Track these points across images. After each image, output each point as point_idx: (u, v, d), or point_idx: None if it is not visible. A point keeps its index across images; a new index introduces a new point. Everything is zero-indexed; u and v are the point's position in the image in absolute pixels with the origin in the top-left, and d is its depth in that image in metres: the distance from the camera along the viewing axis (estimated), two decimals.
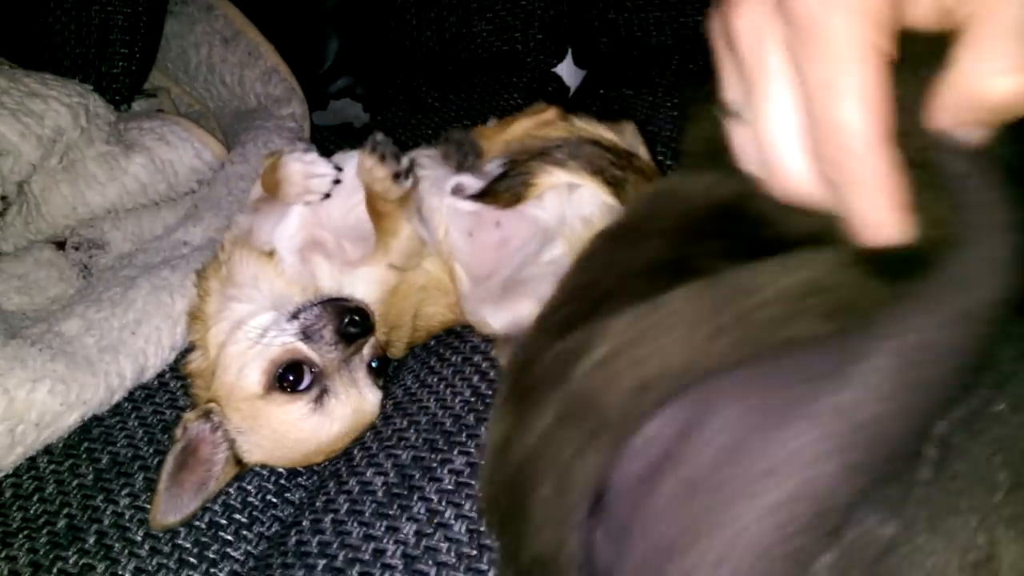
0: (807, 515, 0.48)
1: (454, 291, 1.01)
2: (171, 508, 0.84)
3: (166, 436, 0.96)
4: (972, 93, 0.50)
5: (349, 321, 0.88)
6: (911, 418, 0.50)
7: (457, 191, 0.99)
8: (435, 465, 0.86)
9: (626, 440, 0.54)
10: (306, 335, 0.88)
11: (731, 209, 0.58)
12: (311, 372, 0.87)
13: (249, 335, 0.90)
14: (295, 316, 0.89)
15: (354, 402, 0.90)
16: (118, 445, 0.95)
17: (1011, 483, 0.47)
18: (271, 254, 0.98)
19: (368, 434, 0.94)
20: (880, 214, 0.47)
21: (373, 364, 0.93)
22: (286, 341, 0.87)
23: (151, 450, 0.95)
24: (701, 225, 0.58)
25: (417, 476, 0.85)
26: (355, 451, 0.92)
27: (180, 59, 1.57)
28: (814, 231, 0.57)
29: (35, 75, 1.25)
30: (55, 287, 1.17)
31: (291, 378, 0.86)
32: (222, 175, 1.31)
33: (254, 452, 0.89)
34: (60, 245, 1.22)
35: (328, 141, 1.49)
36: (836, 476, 0.48)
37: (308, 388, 0.87)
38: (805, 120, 0.46)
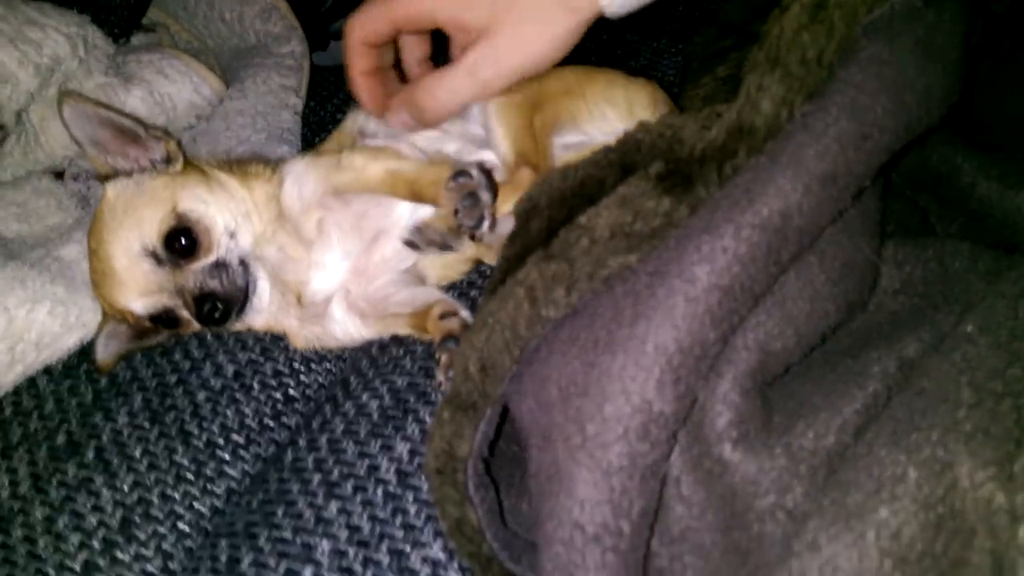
0: (640, 425, 0.52)
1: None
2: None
3: (164, 359, 0.98)
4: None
5: (219, 298, 0.89)
6: (715, 332, 0.54)
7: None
8: (430, 390, 0.87)
9: (483, 415, 0.61)
10: (217, 263, 0.91)
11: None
12: (183, 248, 0.90)
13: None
14: (232, 236, 0.93)
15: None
16: (116, 368, 0.97)
17: (974, 401, 0.48)
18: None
19: (364, 362, 0.96)
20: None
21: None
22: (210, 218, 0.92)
23: (150, 372, 0.96)
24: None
25: (412, 400, 0.86)
26: (351, 378, 0.93)
27: None
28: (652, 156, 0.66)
29: (32, 3, 1.24)
30: (54, 216, 1.17)
31: (182, 240, 0.90)
32: (221, 110, 1.30)
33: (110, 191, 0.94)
34: (59, 175, 1.22)
35: (328, 82, 1.48)
36: (655, 393, 0.52)
37: (167, 253, 0.90)
38: None
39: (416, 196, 0.91)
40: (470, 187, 0.84)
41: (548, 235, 0.69)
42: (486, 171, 0.86)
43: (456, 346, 0.83)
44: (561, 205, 0.72)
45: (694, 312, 0.53)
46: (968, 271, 0.63)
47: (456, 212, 0.83)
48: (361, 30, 0.94)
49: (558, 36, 0.85)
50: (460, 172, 0.85)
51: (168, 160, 0.97)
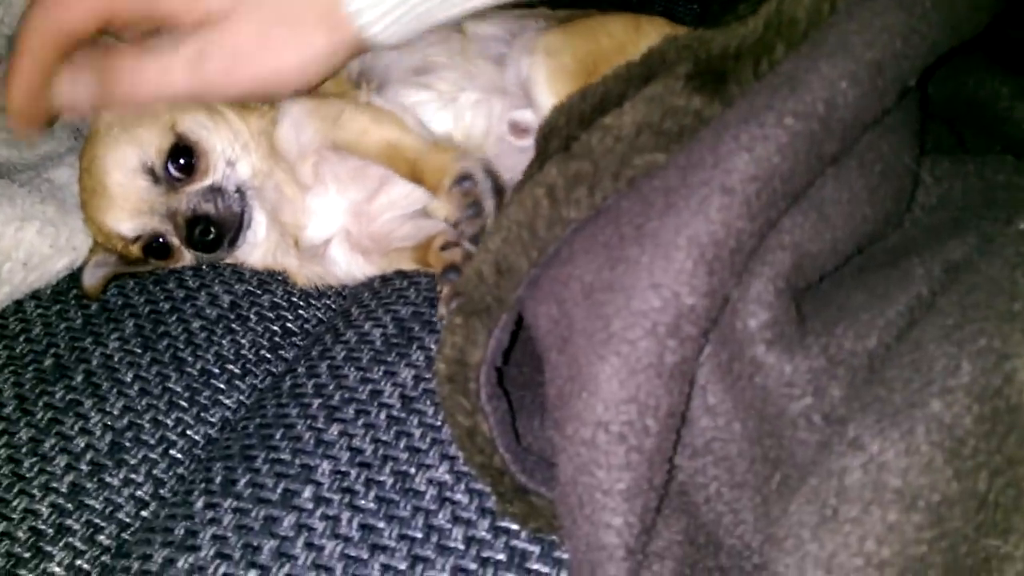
0: (669, 321, 0.48)
1: None
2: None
3: (158, 287, 0.94)
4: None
5: (212, 222, 0.86)
6: (751, 225, 0.49)
7: (516, 130, 0.93)
8: (434, 319, 0.83)
9: (498, 321, 0.57)
10: (213, 186, 0.88)
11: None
12: (181, 167, 0.87)
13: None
14: (230, 164, 0.89)
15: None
16: (108, 293, 0.93)
17: None
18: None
19: (366, 293, 0.92)
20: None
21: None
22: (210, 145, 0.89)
23: (142, 299, 0.92)
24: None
25: (416, 328, 0.83)
26: (352, 308, 0.90)
27: None
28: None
29: None
30: (46, 145, 1.12)
31: (180, 160, 0.86)
32: None
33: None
34: None
35: None
36: (686, 287, 0.48)
37: (165, 171, 0.86)
38: None
39: (415, 177, 0.86)
40: (474, 195, 0.79)
41: (567, 147, 0.65)
42: (492, 173, 0.81)
43: (458, 277, 0.79)
44: (580, 123, 0.68)
45: (730, 203, 0.49)
46: (1012, 182, 0.59)
47: (457, 223, 0.79)
48: (51, 20, 0.67)
49: (314, 53, 0.71)
50: (465, 176, 0.80)
51: None
